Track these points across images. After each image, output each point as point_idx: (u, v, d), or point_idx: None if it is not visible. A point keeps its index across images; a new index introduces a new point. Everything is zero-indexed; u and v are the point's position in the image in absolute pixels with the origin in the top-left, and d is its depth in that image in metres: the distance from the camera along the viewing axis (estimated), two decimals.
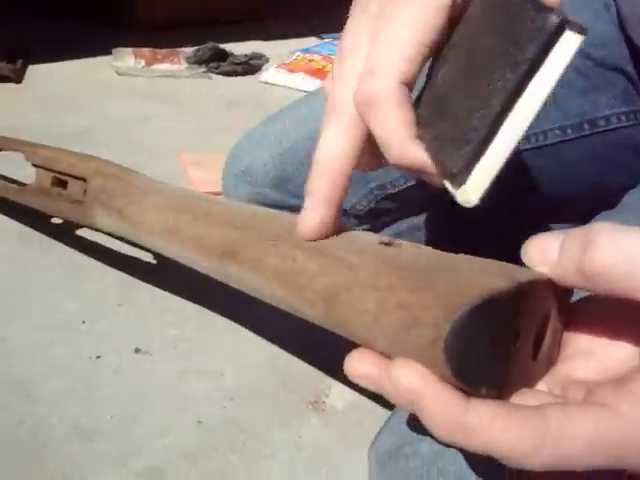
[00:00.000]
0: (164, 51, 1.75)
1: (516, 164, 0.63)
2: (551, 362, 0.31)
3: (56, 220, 0.90)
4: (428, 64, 0.35)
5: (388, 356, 0.27)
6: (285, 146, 0.68)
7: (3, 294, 0.81)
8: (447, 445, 0.33)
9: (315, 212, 0.34)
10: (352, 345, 0.29)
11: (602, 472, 0.26)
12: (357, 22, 0.36)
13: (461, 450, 0.33)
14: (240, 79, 1.72)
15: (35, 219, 0.90)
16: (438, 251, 0.32)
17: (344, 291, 0.30)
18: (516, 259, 0.29)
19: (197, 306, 0.83)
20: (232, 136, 0.82)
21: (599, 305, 0.30)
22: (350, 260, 0.31)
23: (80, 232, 0.92)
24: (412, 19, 0.33)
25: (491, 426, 0.24)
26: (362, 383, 0.28)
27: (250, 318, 0.81)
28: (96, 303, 0.82)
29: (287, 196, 0.68)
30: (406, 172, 0.34)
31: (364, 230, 0.39)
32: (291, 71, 1.74)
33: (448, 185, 0.31)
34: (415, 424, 0.36)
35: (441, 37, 0.34)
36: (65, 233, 0.91)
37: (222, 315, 0.82)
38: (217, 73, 1.72)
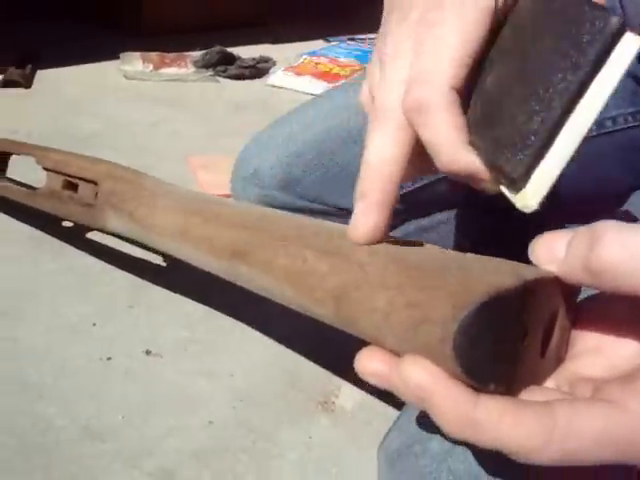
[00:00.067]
0: (172, 55, 1.76)
1: None
2: (559, 360, 0.31)
3: (67, 223, 0.91)
4: None
5: (398, 354, 0.28)
6: (292, 149, 0.69)
7: (15, 296, 0.82)
8: (456, 442, 0.33)
9: (368, 217, 0.33)
10: (361, 345, 0.30)
11: (612, 468, 0.26)
12: (397, 29, 0.35)
13: (470, 447, 0.33)
14: (247, 82, 1.73)
15: (46, 222, 0.91)
16: (446, 250, 0.32)
17: (354, 290, 0.30)
18: (522, 258, 0.29)
19: (207, 308, 0.83)
20: (240, 139, 0.82)
21: (606, 303, 0.30)
22: (360, 259, 0.31)
23: (90, 235, 0.92)
24: (457, 24, 0.33)
25: (500, 421, 0.25)
26: (372, 381, 0.28)
27: (259, 319, 0.81)
28: (107, 305, 0.83)
29: (295, 198, 0.69)
30: (456, 177, 0.33)
31: None
32: (298, 74, 1.75)
33: (505, 190, 0.31)
34: (424, 422, 0.37)
35: (487, 41, 0.33)
36: (76, 236, 0.92)
37: (231, 317, 0.82)
38: (225, 76, 1.73)
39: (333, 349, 0.76)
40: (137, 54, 1.72)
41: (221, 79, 1.72)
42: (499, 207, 0.37)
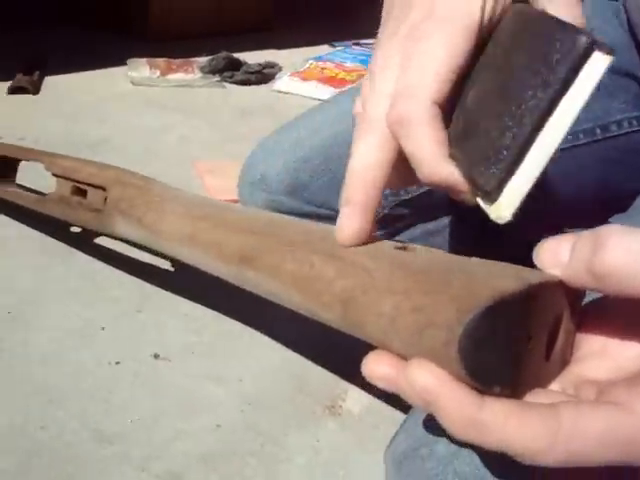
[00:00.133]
0: (178, 61, 1.77)
1: None
2: (564, 363, 0.31)
3: (75, 229, 0.92)
4: None
5: (404, 357, 0.28)
6: (299, 154, 0.69)
7: (24, 301, 0.83)
8: (463, 444, 0.33)
9: (352, 220, 0.35)
10: (368, 349, 0.30)
11: (617, 469, 0.26)
12: (387, 43, 0.37)
13: (477, 450, 0.33)
14: (254, 88, 1.74)
15: (55, 228, 0.92)
16: (452, 255, 0.33)
17: (361, 294, 0.31)
18: (528, 262, 0.30)
19: (215, 312, 0.84)
20: (246, 144, 0.83)
21: (611, 306, 0.30)
22: (366, 265, 0.32)
23: (99, 240, 0.93)
24: (443, 40, 0.34)
25: (505, 424, 0.25)
26: (379, 384, 0.29)
27: (267, 324, 0.82)
28: (115, 310, 0.83)
29: (302, 203, 0.69)
30: (437, 188, 0.34)
31: (379, 235, 0.40)
32: (304, 79, 1.76)
33: (481, 202, 0.32)
34: (431, 425, 0.37)
35: (471, 57, 0.35)
36: (84, 241, 0.93)
37: (239, 321, 0.83)
38: (231, 82, 1.74)
39: (340, 353, 0.76)
40: (144, 60, 1.73)
41: (227, 85, 1.73)
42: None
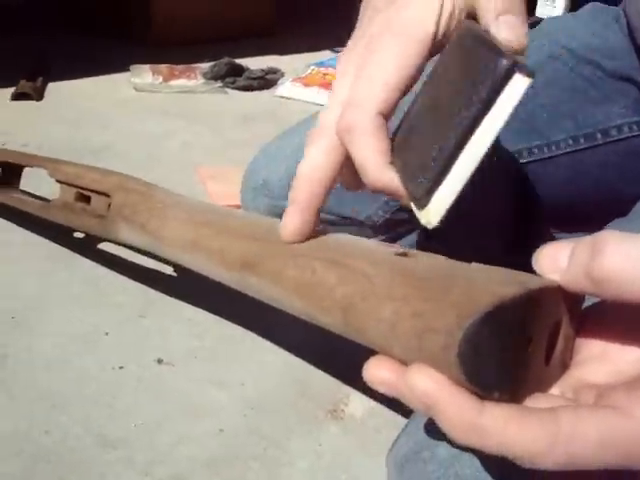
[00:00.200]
0: (181, 67, 1.78)
1: (530, 173, 0.64)
2: (564, 367, 0.31)
3: (79, 235, 0.92)
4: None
5: (405, 363, 0.28)
6: (301, 160, 0.70)
7: (28, 306, 0.83)
8: (463, 448, 0.34)
9: (294, 218, 0.38)
10: (370, 354, 0.30)
11: (617, 473, 0.27)
12: (348, 53, 0.39)
13: (477, 453, 0.34)
14: (256, 94, 1.74)
15: (58, 234, 0.92)
16: (452, 260, 0.33)
17: (361, 301, 0.31)
18: (527, 267, 0.30)
19: (217, 317, 0.84)
20: (248, 150, 0.84)
21: (610, 310, 0.31)
22: (367, 271, 0.32)
23: (102, 246, 0.94)
24: (394, 53, 0.36)
25: (505, 428, 0.25)
26: (380, 389, 0.29)
27: (269, 328, 0.82)
28: (119, 315, 0.83)
29: None
30: (381, 193, 0.37)
31: (380, 241, 0.40)
32: (306, 85, 1.76)
33: (414, 207, 0.34)
34: (432, 428, 0.37)
35: (421, 70, 0.37)
36: (87, 247, 0.93)
37: (242, 326, 0.83)
38: (233, 88, 1.74)
39: (342, 358, 0.76)
40: (147, 66, 1.74)
41: (230, 90, 1.73)
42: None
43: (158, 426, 0.68)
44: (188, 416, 0.70)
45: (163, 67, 1.75)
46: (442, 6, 0.36)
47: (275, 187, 0.70)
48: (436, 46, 0.36)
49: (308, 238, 0.38)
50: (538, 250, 0.29)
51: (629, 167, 0.61)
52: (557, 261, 0.28)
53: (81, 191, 0.72)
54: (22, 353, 0.76)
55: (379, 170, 0.35)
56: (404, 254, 0.34)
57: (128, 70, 1.73)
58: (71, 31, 1.98)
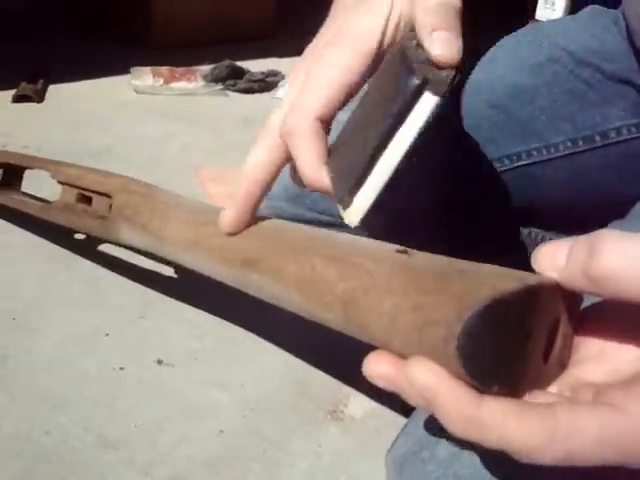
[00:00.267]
0: (181, 69, 1.78)
1: (529, 176, 0.64)
2: (562, 366, 0.32)
3: (79, 236, 0.93)
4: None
5: (404, 357, 0.29)
6: None
7: (29, 308, 0.84)
8: (463, 445, 0.34)
9: (230, 211, 0.42)
10: (369, 352, 0.31)
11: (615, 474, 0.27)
12: (301, 61, 0.42)
13: (477, 449, 0.34)
14: (256, 96, 1.74)
15: (59, 235, 0.92)
16: (451, 258, 0.33)
17: (362, 295, 0.31)
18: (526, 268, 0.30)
19: (217, 318, 0.84)
20: (248, 152, 0.84)
21: (608, 310, 0.31)
22: (367, 266, 0.32)
23: (102, 248, 0.94)
24: (337, 63, 0.39)
25: (504, 421, 0.26)
26: (380, 383, 0.29)
27: (269, 330, 0.82)
28: (119, 316, 0.84)
29: (304, 210, 0.70)
30: (319, 192, 0.39)
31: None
32: None
33: (339, 207, 0.37)
34: (431, 427, 0.37)
35: (364, 80, 0.39)
36: (88, 249, 0.93)
37: (242, 327, 0.83)
38: (234, 90, 1.74)
39: (342, 359, 0.76)
40: (147, 69, 1.74)
41: (230, 93, 1.74)
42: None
43: (158, 427, 0.68)
44: (188, 417, 0.70)
45: (164, 69, 1.76)
46: (389, 18, 0.38)
47: (274, 188, 0.70)
48: (381, 56, 0.39)
49: (308, 237, 0.38)
50: (537, 249, 0.30)
51: (628, 169, 0.62)
52: (555, 259, 0.28)
53: (82, 192, 0.72)
54: (23, 354, 0.76)
55: (314, 171, 0.38)
56: (404, 252, 0.34)
57: (129, 72, 1.73)
58: (71, 34, 1.98)
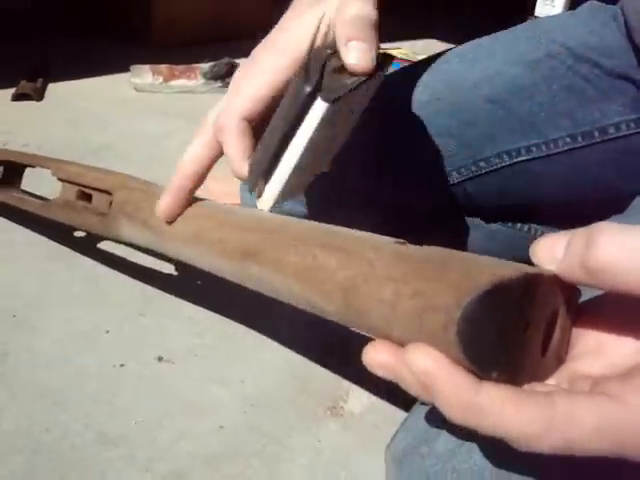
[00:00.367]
0: (181, 67, 1.78)
1: (528, 171, 0.64)
2: (560, 360, 0.32)
3: (79, 234, 0.93)
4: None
5: (404, 345, 0.29)
6: None
7: (29, 305, 0.84)
8: (463, 437, 0.34)
9: (164, 200, 0.47)
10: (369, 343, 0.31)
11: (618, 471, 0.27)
12: (243, 66, 0.46)
13: (476, 440, 0.34)
14: None
15: (58, 233, 0.93)
16: (450, 249, 0.33)
17: (362, 283, 0.32)
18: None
19: (218, 315, 0.85)
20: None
21: (607, 304, 0.31)
22: (368, 255, 0.33)
23: (102, 245, 0.94)
24: (266, 69, 0.44)
25: (502, 408, 0.26)
26: (380, 373, 0.29)
27: (269, 326, 0.82)
28: (119, 313, 0.84)
29: (300, 206, 0.70)
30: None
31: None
32: None
33: (256, 197, 0.43)
34: (430, 421, 0.37)
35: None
36: (87, 246, 0.94)
37: (241, 323, 0.83)
38: None
39: (342, 355, 0.77)
40: (147, 67, 1.74)
41: None
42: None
43: (158, 423, 0.69)
44: (188, 413, 0.70)
45: (163, 67, 1.75)
46: (318, 27, 0.41)
47: None
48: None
49: (308, 228, 0.38)
50: (535, 242, 0.30)
51: (627, 165, 0.62)
52: (554, 252, 0.29)
53: (83, 189, 0.72)
54: (23, 351, 0.76)
55: (238, 164, 0.43)
56: (403, 243, 0.34)
57: (128, 70, 1.73)
58: (71, 33, 1.98)
